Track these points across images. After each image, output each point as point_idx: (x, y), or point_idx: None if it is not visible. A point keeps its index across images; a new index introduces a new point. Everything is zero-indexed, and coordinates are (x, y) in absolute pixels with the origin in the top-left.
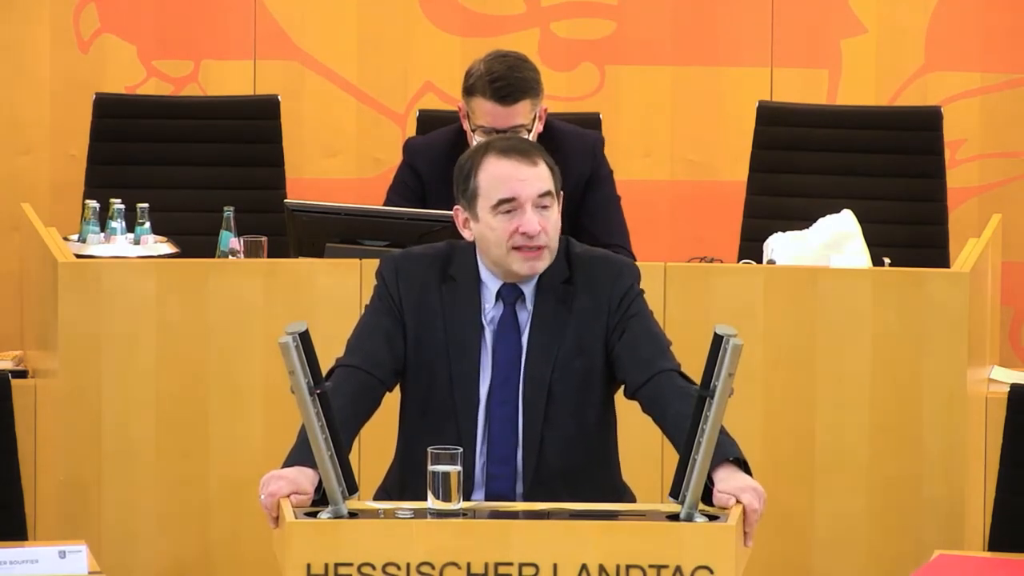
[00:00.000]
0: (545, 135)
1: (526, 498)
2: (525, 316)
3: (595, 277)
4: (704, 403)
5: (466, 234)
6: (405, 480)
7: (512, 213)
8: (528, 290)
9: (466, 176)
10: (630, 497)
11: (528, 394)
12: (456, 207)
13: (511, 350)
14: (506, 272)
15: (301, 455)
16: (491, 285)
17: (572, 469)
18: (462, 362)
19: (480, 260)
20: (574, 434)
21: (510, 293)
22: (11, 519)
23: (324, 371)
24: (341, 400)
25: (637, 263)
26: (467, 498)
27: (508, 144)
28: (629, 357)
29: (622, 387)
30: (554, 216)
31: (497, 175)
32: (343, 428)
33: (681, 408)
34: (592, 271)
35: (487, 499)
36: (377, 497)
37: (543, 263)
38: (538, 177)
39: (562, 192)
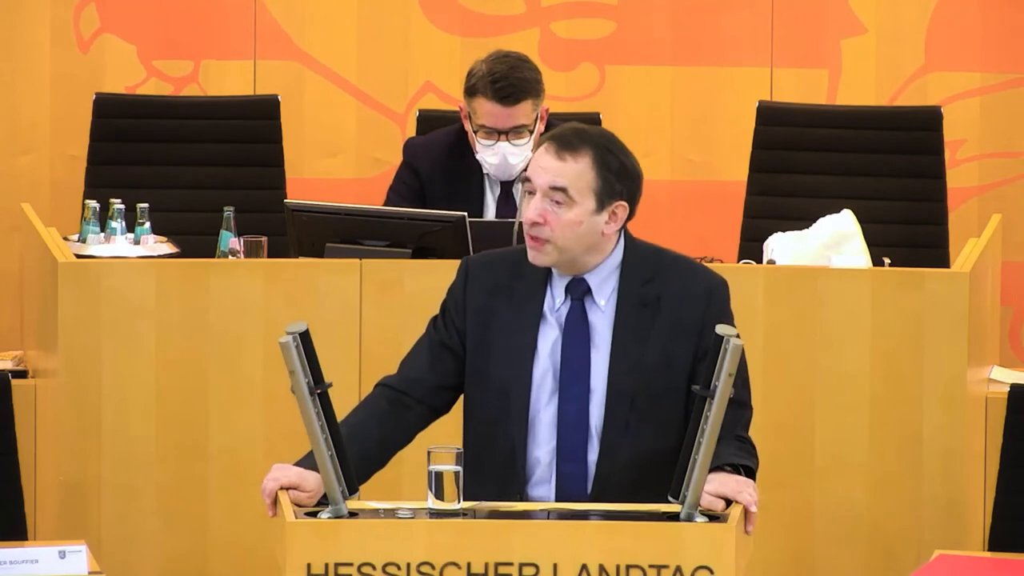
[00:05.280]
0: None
1: (594, 498)
2: (598, 313)
3: (685, 284)
4: (704, 403)
5: None
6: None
7: (528, 198)
8: (596, 282)
9: None
10: None
11: (611, 400)
12: None
13: (579, 348)
14: None
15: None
16: (560, 279)
17: (644, 477)
18: (515, 363)
19: None
20: (651, 446)
21: (577, 288)
22: (11, 519)
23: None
24: (362, 417)
25: None
26: (528, 496)
27: (554, 133)
28: None
29: None
30: (567, 215)
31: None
32: (366, 453)
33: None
34: (680, 276)
35: (558, 498)
36: None
37: (545, 258)
38: (559, 171)
39: (616, 198)
